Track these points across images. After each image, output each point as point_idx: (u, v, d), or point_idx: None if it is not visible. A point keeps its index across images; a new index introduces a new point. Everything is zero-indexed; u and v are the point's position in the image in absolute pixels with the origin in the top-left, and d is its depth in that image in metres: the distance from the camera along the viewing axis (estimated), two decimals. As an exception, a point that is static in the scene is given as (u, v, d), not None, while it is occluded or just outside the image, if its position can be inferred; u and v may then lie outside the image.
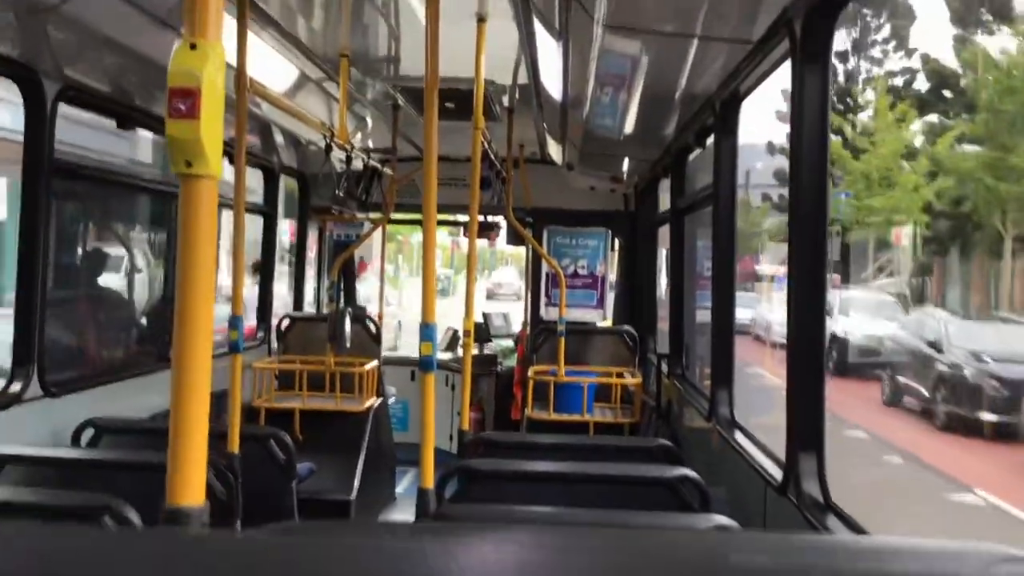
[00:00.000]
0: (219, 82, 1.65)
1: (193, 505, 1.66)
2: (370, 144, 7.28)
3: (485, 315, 9.89)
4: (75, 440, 4.19)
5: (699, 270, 6.35)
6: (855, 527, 2.76)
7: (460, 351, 5.65)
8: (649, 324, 7.66)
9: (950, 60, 23.55)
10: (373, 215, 7.50)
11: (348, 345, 6.42)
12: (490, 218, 7.71)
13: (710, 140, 4.80)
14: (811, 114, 2.97)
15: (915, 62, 28.11)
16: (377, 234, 7.89)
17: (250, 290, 6.85)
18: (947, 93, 23.71)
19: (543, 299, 8.20)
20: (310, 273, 8.64)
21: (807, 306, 2.99)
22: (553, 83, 4.72)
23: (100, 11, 3.50)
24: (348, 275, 8.78)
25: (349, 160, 5.65)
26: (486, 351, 8.96)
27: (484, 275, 38.67)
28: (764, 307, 22.51)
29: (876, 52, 31.01)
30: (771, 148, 25.59)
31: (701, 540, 1.42)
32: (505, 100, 6.13)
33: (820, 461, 2.94)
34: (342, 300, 8.20)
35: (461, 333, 4.98)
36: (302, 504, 4.57)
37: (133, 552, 0.92)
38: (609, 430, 6.37)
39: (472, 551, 0.96)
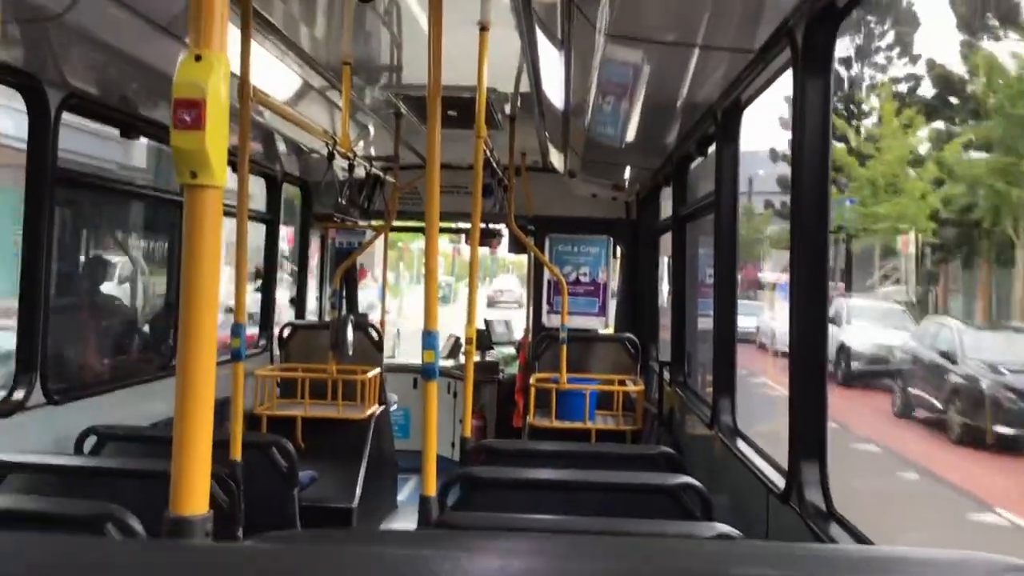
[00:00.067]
0: (224, 93, 1.65)
1: (196, 514, 1.66)
2: (372, 152, 7.29)
3: (487, 322, 9.90)
4: (78, 448, 4.19)
5: (701, 278, 6.35)
6: (858, 536, 2.75)
7: (462, 358, 5.66)
8: (651, 332, 7.65)
9: (956, 66, 23.56)
10: (375, 223, 7.51)
11: (350, 353, 6.42)
12: (492, 226, 7.72)
13: (711, 148, 4.80)
14: (813, 122, 2.97)
15: (920, 68, 28.16)
16: (378, 242, 7.90)
17: (252, 298, 6.86)
18: (953, 99, 23.69)
19: (545, 306, 8.21)
20: (312, 281, 8.65)
21: (809, 313, 2.99)
22: (555, 91, 4.73)
23: (103, 20, 3.51)
24: (350, 283, 8.79)
25: (351, 168, 5.66)
26: (488, 358, 8.96)
27: (485, 282, 38.67)
28: (768, 315, 22.35)
29: (880, 58, 31.07)
30: (774, 155, 25.58)
31: (703, 549, 1.42)
32: (507, 108, 6.14)
33: (823, 469, 2.94)
34: (344, 308, 8.20)
35: (463, 340, 4.98)
36: (304, 512, 4.56)
37: (137, 563, 0.92)
38: (611, 438, 6.36)
39: (475, 559, 0.97)
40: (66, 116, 4.23)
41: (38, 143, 4.11)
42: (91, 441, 4.22)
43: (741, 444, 4.07)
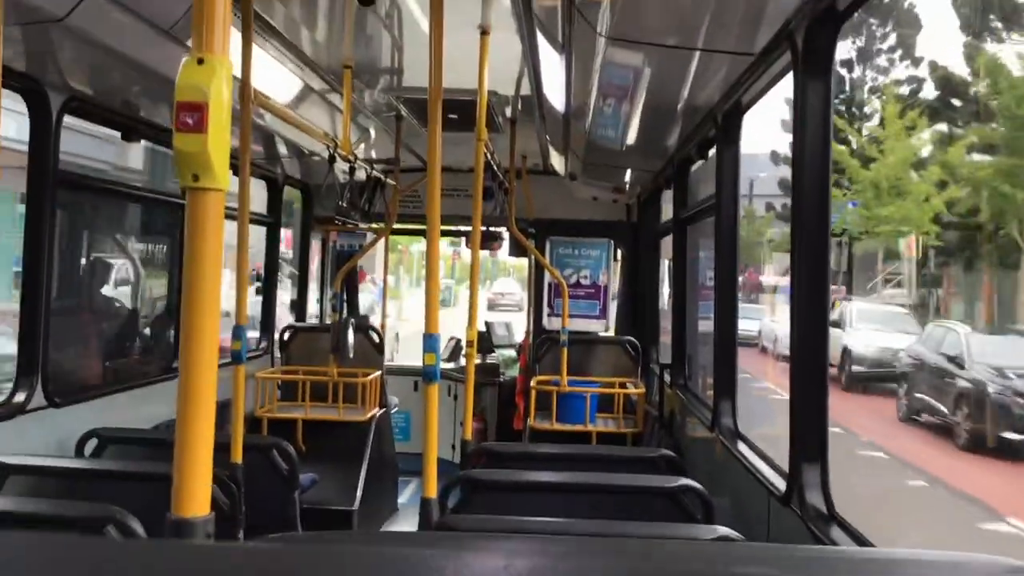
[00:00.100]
0: (226, 96, 1.66)
1: (198, 516, 1.66)
2: (373, 155, 7.30)
3: (488, 325, 9.89)
4: (79, 450, 4.19)
5: (702, 280, 6.35)
6: (859, 539, 2.75)
7: (463, 361, 5.66)
8: (651, 334, 7.65)
9: (959, 68, 23.55)
10: (376, 226, 7.52)
11: (351, 355, 6.42)
12: (493, 229, 7.72)
13: (712, 151, 4.81)
14: (813, 125, 2.98)
15: (922, 71, 28.15)
16: (378, 245, 7.90)
17: (252, 301, 6.86)
18: (956, 101, 23.67)
19: (546, 309, 8.20)
20: (313, 284, 8.65)
21: (810, 316, 2.99)
22: (556, 94, 4.74)
23: (105, 23, 3.52)
24: (351, 286, 8.79)
25: (352, 171, 5.66)
26: (488, 361, 8.96)
27: (485, 285, 38.66)
28: (768, 319, 22.24)
29: (882, 61, 31.09)
30: (775, 158, 25.56)
31: (704, 551, 1.42)
32: (508, 111, 6.14)
33: (824, 472, 2.94)
34: (345, 310, 8.21)
35: (464, 343, 4.98)
36: (305, 514, 4.56)
37: (138, 563, 0.92)
38: (611, 440, 6.36)
39: (476, 561, 0.97)
40: (67, 119, 4.24)
41: (40, 146, 4.11)
42: (92, 444, 4.22)
43: (742, 446, 4.07)
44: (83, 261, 6.76)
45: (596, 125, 5.17)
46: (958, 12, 23.01)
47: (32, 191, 4.14)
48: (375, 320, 8.32)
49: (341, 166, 5.48)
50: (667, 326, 6.69)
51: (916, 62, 29.83)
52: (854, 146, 25.54)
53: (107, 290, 6.78)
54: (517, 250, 8.49)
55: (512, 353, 9.48)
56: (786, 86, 3.31)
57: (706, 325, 5.61)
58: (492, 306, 35.52)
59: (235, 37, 3.50)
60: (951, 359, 14.03)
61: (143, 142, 5.50)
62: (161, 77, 3.98)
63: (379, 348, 6.99)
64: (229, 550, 1.13)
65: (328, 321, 7.79)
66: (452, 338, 9.61)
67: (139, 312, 7.36)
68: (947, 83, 24.00)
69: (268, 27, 4.25)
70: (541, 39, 3.72)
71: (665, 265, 7.60)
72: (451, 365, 8.95)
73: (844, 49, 30.54)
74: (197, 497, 1.67)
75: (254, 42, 3.69)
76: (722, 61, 3.70)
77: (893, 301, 22.89)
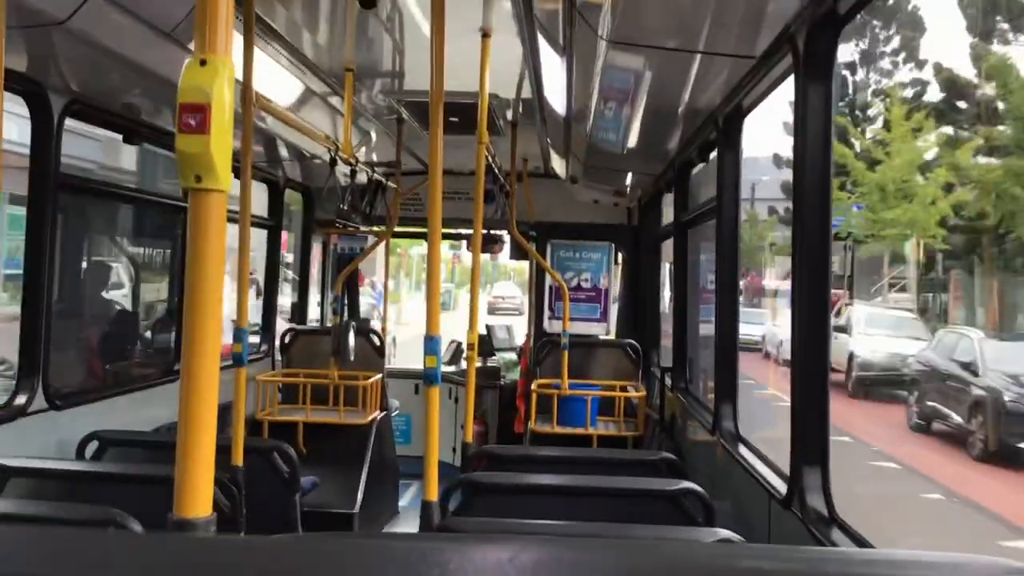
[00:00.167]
0: (228, 97, 1.66)
1: (199, 516, 1.66)
2: (374, 158, 7.30)
3: (489, 328, 9.89)
4: (79, 453, 4.19)
5: (703, 284, 6.35)
6: (860, 541, 2.75)
7: (463, 364, 5.66)
8: (652, 337, 7.65)
9: (964, 70, 23.52)
10: (377, 229, 7.52)
11: (352, 358, 6.42)
12: (493, 232, 7.72)
13: (713, 154, 4.81)
14: (814, 128, 2.98)
15: (927, 73, 28.12)
16: (379, 248, 7.90)
17: (253, 302, 6.86)
18: (962, 104, 23.64)
19: (546, 312, 8.20)
20: (313, 287, 8.65)
21: (811, 319, 2.99)
22: (557, 97, 4.74)
23: (106, 26, 3.52)
24: (352, 288, 8.79)
25: (353, 174, 5.66)
26: (489, 364, 8.96)
27: (485, 288, 38.63)
28: (771, 323, 22.07)
29: (886, 63, 31.09)
30: (777, 161, 25.55)
31: (704, 552, 1.42)
32: (509, 114, 6.15)
33: (825, 475, 2.93)
34: (346, 313, 8.21)
35: (464, 346, 4.98)
36: (305, 517, 4.56)
37: (138, 561, 0.92)
38: (612, 443, 6.36)
39: (476, 564, 0.97)
40: (69, 122, 4.25)
41: (41, 149, 4.11)
42: (93, 446, 4.22)
43: (743, 449, 4.07)
44: (84, 264, 6.77)
45: (597, 128, 5.18)
46: (964, 13, 23.00)
47: (33, 194, 4.15)
48: (374, 324, 8.32)
49: (342, 169, 5.48)
50: (668, 329, 6.69)
51: (920, 64, 29.86)
52: (858, 149, 25.48)
53: (108, 293, 6.78)
54: (518, 253, 8.49)
55: (513, 356, 9.48)
56: (788, 89, 3.32)
57: (707, 329, 5.61)
58: (492, 310, 35.48)
59: (237, 40, 3.50)
60: (964, 366, 13.69)
61: (144, 145, 5.51)
62: (162, 80, 3.99)
63: (380, 351, 6.99)
64: (229, 544, 1.13)
65: (329, 324, 7.79)
66: (453, 341, 9.61)
67: (140, 315, 7.36)
68: (952, 85, 23.97)
69: (270, 30, 4.26)
70: (542, 42, 3.73)
71: (666, 268, 7.60)
72: (452, 368, 8.95)
73: (848, 51, 30.55)
74: (199, 498, 1.67)
75: (256, 45, 3.70)
76: (723, 64, 3.71)
77: (899, 305, 22.79)
